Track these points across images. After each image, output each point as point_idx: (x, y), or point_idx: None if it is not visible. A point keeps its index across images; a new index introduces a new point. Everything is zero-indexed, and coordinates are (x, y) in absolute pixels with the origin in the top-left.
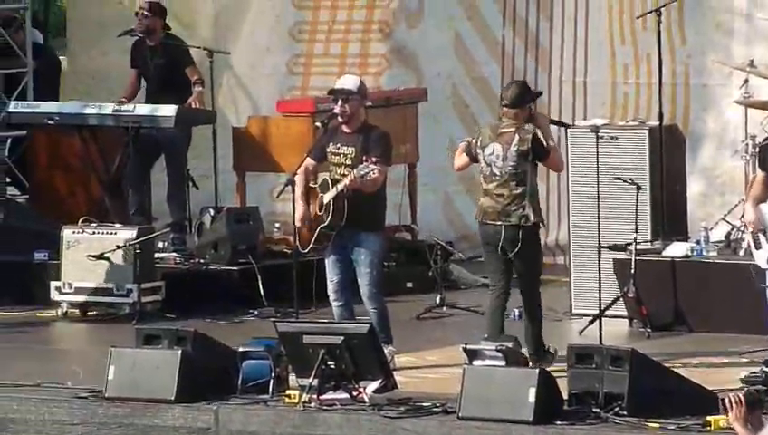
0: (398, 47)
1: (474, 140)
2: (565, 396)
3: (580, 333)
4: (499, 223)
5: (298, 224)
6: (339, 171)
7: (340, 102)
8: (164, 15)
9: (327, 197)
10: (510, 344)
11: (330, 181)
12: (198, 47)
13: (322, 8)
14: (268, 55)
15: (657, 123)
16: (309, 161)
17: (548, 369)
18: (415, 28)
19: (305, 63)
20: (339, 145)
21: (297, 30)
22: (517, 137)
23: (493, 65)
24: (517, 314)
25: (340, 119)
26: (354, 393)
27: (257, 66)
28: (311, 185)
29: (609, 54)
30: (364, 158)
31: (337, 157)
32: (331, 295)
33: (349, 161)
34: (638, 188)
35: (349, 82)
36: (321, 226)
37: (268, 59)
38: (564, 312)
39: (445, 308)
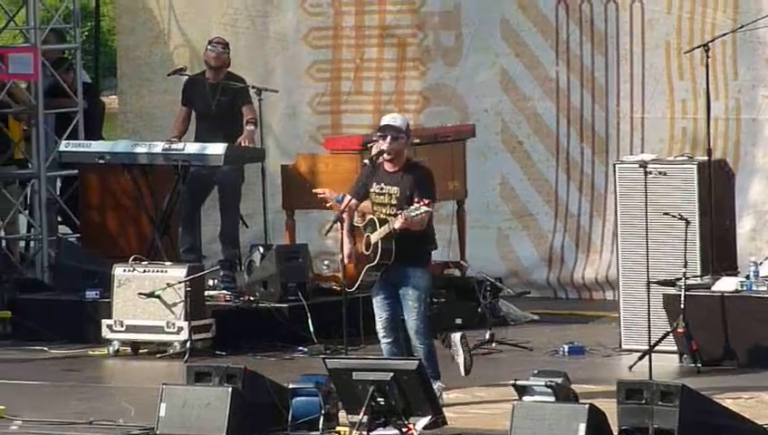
0: (437, 84)
1: None
2: (615, 432)
3: (630, 368)
4: None
5: (345, 261)
6: (383, 211)
7: (389, 139)
8: (229, 51)
9: (374, 237)
10: (559, 380)
11: (377, 221)
12: (247, 85)
13: (344, 47)
14: (286, 95)
15: (706, 158)
16: (352, 201)
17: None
18: (454, 65)
19: (332, 102)
20: (382, 185)
21: (315, 69)
22: None
23: (546, 102)
24: (566, 349)
25: (386, 156)
26: (404, 430)
27: (278, 105)
28: (354, 223)
29: (666, 90)
30: (416, 200)
31: (381, 197)
32: (380, 332)
33: (393, 201)
34: (687, 222)
35: (397, 119)
36: (369, 265)
37: (287, 99)
38: (614, 347)
39: (494, 344)
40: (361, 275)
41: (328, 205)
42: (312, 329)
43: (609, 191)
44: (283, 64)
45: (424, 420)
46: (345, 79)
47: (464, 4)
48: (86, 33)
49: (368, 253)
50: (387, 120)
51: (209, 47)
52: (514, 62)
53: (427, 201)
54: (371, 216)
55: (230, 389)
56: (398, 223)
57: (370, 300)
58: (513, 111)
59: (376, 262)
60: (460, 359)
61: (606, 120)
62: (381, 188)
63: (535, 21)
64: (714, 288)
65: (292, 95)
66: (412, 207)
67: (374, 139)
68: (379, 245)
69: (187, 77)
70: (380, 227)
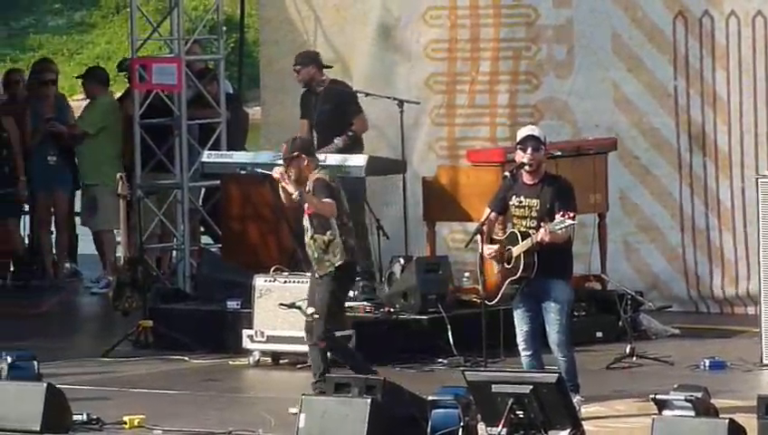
0: (549, 98)
1: None
2: None
3: None
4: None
5: (487, 256)
6: (524, 223)
7: (530, 151)
8: (315, 62)
9: (517, 250)
10: (700, 395)
11: (518, 234)
12: (389, 97)
13: (460, 59)
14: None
15: None
16: (491, 214)
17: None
18: (565, 79)
19: (447, 114)
20: (522, 198)
21: (432, 81)
22: None
23: (664, 117)
24: (707, 364)
25: (528, 168)
26: None
27: (395, 117)
28: (494, 237)
29: None
30: (559, 213)
31: (521, 209)
32: (521, 345)
33: (534, 214)
34: None
35: (536, 131)
36: (511, 279)
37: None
38: (755, 362)
39: (634, 358)
40: (503, 288)
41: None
42: (451, 341)
43: (737, 206)
44: (404, 75)
45: (563, 434)
46: (459, 92)
47: (576, 18)
48: (231, 45)
49: (509, 266)
50: (526, 131)
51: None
52: (627, 76)
53: (571, 214)
54: (513, 229)
55: (369, 400)
56: (540, 236)
57: (511, 313)
58: (627, 126)
59: (518, 275)
60: None
61: (729, 135)
62: (521, 201)
63: (650, 35)
64: None
65: (411, 106)
66: (556, 220)
67: (514, 151)
68: (522, 258)
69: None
70: (522, 240)
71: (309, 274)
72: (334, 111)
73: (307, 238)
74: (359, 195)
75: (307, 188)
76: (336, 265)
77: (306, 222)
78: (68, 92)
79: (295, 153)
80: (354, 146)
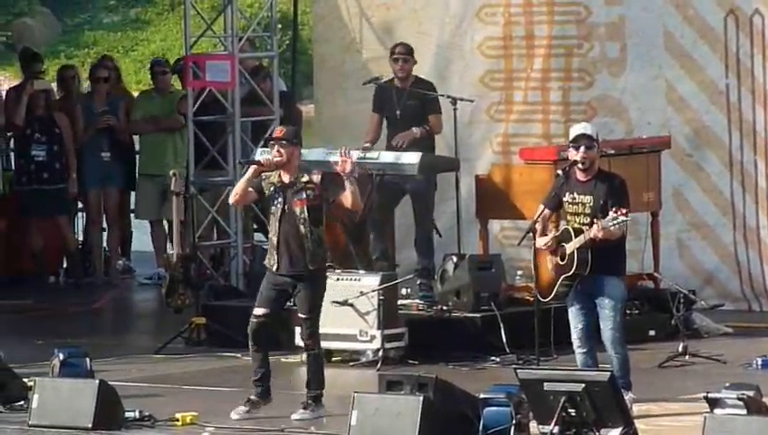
0: (602, 96)
1: None
2: None
3: None
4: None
5: (542, 247)
6: (578, 220)
7: (583, 149)
8: (413, 57)
9: (570, 247)
10: (752, 393)
11: (572, 231)
12: (442, 95)
13: (515, 56)
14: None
15: None
16: (545, 211)
17: None
18: (618, 76)
19: (506, 111)
20: (575, 195)
21: (489, 78)
22: None
23: (716, 114)
24: (760, 362)
25: (581, 166)
26: None
27: (449, 115)
28: (547, 234)
29: None
30: (613, 209)
31: (574, 206)
32: (575, 342)
33: (588, 210)
34: None
35: (588, 128)
36: (565, 275)
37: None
38: None
39: (687, 357)
40: (557, 286)
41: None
42: (504, 339)
43: None
44: (458, 73)
45: (615, 432)
46: (516, 89)
47: (628, 16)
48: (285, 42)
49: (563, 263)
50: (578, 129)
51: (393, 57)
52: (679, 74)
53: (624, 211)
54: (566, 226)
55: (421, 398)
56: (593, 232)
57: (563, 310)
58: (679, 123)
59: (572, 272)
60: None
61: None
62: (574, 198)
63: (701, 33)
64: None
65: (467, 104)
66: (609, 217)
67: (567, 149)
68: (575, 255)
69: (382, 82)
70: (576, 236)
71: (361, 271)
72: (419, 108)
73: (303, 229)
74: (430, 192)
75: (304, 179)
76: (327, 261)
77: (304, 213)
78: None
79: (295, 140)
80: (428, 143)
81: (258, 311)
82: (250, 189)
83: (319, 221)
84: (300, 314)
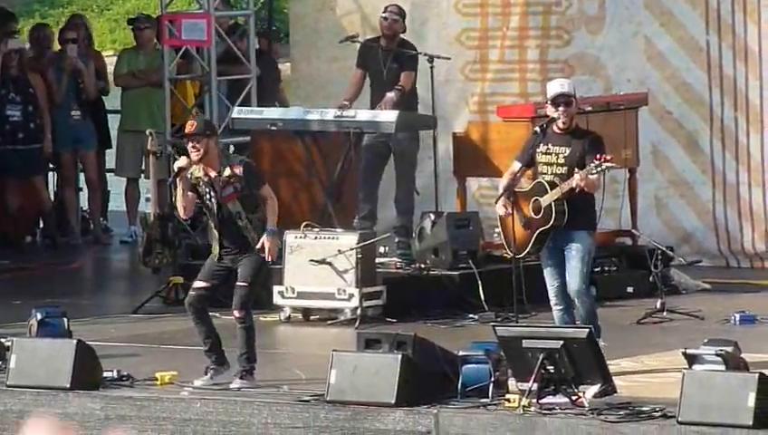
0: (580, 53)
1: None
2: None
3: None
4: None
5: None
6: (551, 171)
7: (562, 108)
8: (404, 19)
9: (546, 199)
10: (730, 349)
11: (546, 184)
12: (420, 53)
13: (491, 15)
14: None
15: None
16: (516, 165)
17: None
18: (597, 34)
19: (481, 70)
20: (549, 145)
21: (465, 36)
22: None
23: (696, 71)
24: (737, 318)
25: (561, 124)
26: (573, 398)
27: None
28: (517, 190)
29: None
30: (597, 156)
31: (547, 156)
32: (552, 300)
33: (561, 160)
34: None
35: (566, 85)
36: (542, 228)
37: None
38: None
39: (665, 313)
40: (532, 240)
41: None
42: (482, 297)
43: (767, 160)
44: (435, 31)
45: (594, 389)
46: (492, 47)
47: None
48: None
49: (538, 217)
50: (556, 87)
51: (383, 15)
52: (659, 31)
53: (609, 157)
54: (538, 179)
55: (400, 356)
56: (575, 181)
57: (540, 268)
58: (659, 81)
59: (550, 225)
60: None
61: (760, 89)
62: (548, 149)
63: None
64: None
65: (443, 62)
66: (593, 165)
67: (544, 106)
68: (552, 207)
69: (359, 43)
70: (551, 189)
71: (339, 229)
72: (399, 70)
73: (241, 223)
74: (413, 151)
75: (227, 173)
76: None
77: (237, 207)
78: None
79: (208, 132)
80: (411, 102)
81: (198, 283)
82: (189, 194)
83: (255, 206)
84: (237, 282)
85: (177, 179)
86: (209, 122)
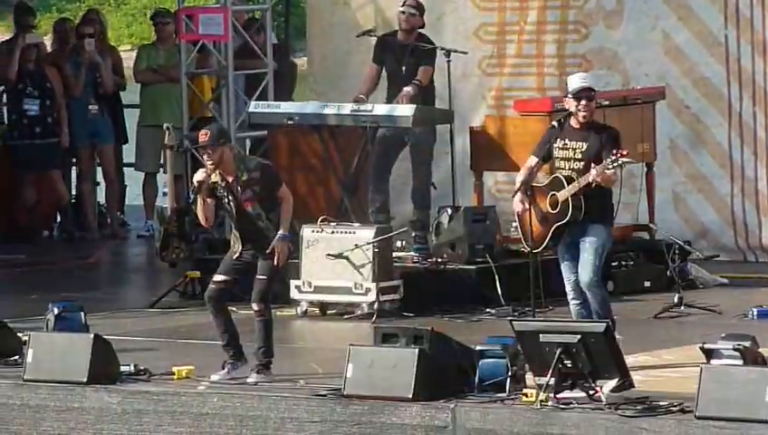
0: (598, 48)
1: None
2: None
3: None
4: None
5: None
6: (568, 166)
7: (584, 102)
8: (423, 13)
9: (563, 194)
10: (748, 344)
11: (563, 179)
12: (436, 47)
13: (508, 9)
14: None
15: None
16: (533, 160)
17: None
18: (615, 28)
19: (499, 64)
20: (567, 141)
21: (483, 31)
22: None
23: (715, 66)
24: (755, 313)
25: (582, 119)
26: (591, 392)
27: (442, 67)
28: (534, 184)
29: None
30: (614, 152)
31: (565, 151)
32: (570, 294)
33: (578, 156)
34: None
35: (587, 79)
36: (559, 223)
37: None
38: None
39: (682, 307)
40: (549, 235)
41: None
42: (499, 291)
43: None
44: (452, 25)
45: (611, 383)
46: (509, 42)
47: None
48: None
49: (555, 211)
50: (578, 81)
51: (400, 9)
52: (677, 25)
53: (625, 152)
54: (556, 174)
55: (417, 350)
56: (592, 176)
57: (557, 262)
58: (677, 76)
59: (567, 219)
60: None
61: None
62: (566, 144)
63: None
64: None
65: (460, 56)
66: (609, 160)
67: (562, 101)
68: (569, 201)
69: (375, 37)
70: (568, 184)
71: (356, 224)
72: (416, 65)
73: (261, 223)
74: (430, 144)
75: (245, 177)
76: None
77: (256, 210)
78: (114, 43)
79: (222, 140)
80: (429, 97)
81: (218, 277)
82: (208, 201)
83: (274, 206)
84: (257, 276)
85: (198, 195)
86: (222, 130)
